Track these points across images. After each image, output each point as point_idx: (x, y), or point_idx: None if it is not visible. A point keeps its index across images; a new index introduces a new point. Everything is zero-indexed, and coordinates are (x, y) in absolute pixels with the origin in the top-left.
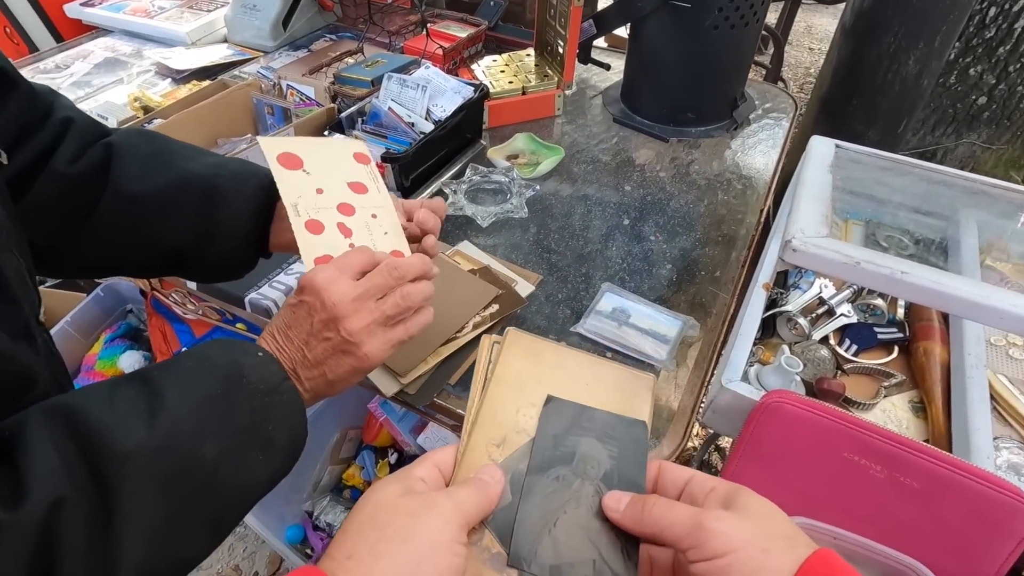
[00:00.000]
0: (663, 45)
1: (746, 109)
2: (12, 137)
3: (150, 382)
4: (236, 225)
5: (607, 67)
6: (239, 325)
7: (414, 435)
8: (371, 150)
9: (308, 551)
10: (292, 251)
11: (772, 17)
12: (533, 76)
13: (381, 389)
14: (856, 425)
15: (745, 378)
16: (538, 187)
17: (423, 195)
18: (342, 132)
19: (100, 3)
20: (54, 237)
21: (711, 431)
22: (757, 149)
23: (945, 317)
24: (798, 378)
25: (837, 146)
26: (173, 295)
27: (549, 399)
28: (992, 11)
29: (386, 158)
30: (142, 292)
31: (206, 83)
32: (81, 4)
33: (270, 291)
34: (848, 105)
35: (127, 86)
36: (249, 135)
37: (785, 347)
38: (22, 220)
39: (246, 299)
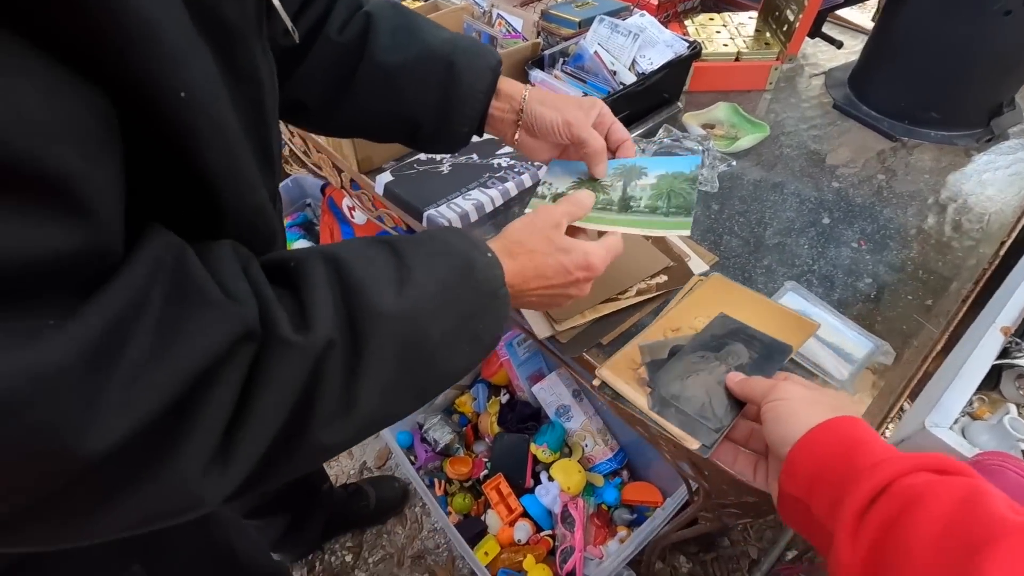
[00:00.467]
0: (926, 24)
1: (1010, 120)
2: (297, 6)
3: (400, 254)
4: (468, 104)
5: (839, 44)
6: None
7: (530, 383)
8: (566, 91)
9: (412, 458)
10: (500, 135)
11: None
12: (752, 42)
13: (535, 331)
14: None
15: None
16: (733, 163)
17: None
18: (542, 69)
19: None
20: (323, 101)
21: None
22: (1011, 169)
23: None
24: (1022, 446)
25: None
26: (355, 199)
27: (721, 314)
28: None
29: None
30: (322, 190)
31: (419, 4)
32: None
33: (447, 211)
34: None
35: None
36: None
37: (1011, 406)
38: (299, 84)
39: (425, 214)
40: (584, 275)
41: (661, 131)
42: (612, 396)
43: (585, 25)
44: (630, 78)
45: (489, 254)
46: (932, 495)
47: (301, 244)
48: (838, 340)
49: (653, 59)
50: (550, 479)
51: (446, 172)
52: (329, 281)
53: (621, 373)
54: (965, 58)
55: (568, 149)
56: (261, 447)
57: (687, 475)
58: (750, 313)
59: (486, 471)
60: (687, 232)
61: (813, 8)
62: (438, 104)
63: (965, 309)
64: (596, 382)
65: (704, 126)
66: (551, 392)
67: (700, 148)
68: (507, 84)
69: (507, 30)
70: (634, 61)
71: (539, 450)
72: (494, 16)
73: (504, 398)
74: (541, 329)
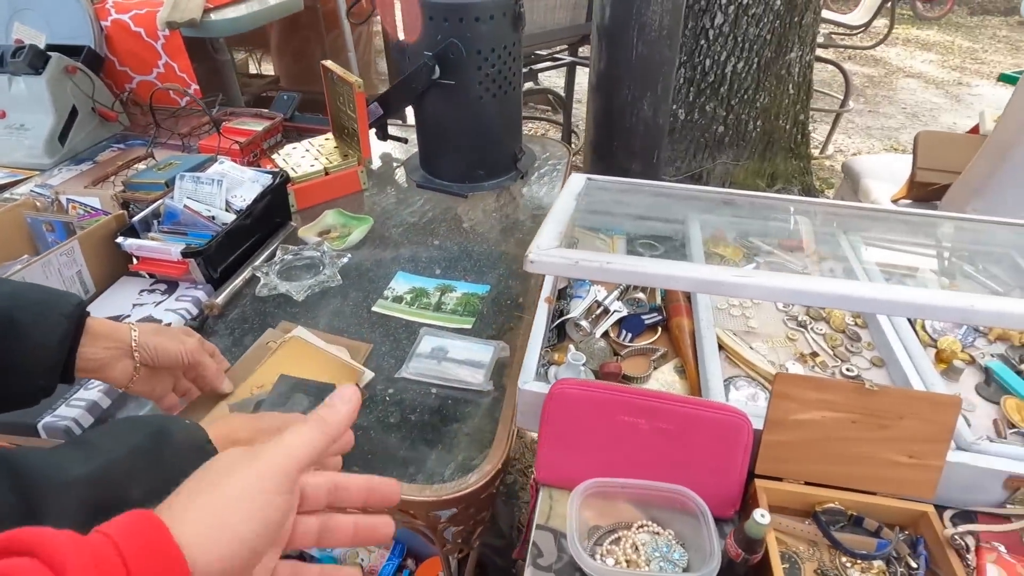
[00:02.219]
0: (443, 116)
1: (528, 160)
2: None
3: (84, 439)
4: (35, 358)
5: (405, 141)
6: None
7: None
8: (170, 248)
9: None
10: (99, 377)
11: (561, 80)
12: (335, 156)
13: None
14: (618, 391)
15: (544, 379)
16: (350, 255)
17: (236, 282)
18: (136, 236)
19: None
20: None
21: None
22: (543, 191)
23: (688, 297)
24: (583, 368)
25: (588, 179)
26: None
27: (281, 376)
28: (707, 62)
29: (186, 253)
30: None
31: None
32: None
33: (68, 410)
34: (611, 146)
35: None
36: (26, 256)
37: (571, 346)
38: None
39: (39, 425)
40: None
41: (279, 251)
42: None
43: (172, 184)
44: (229, 218)
45: (188, 422)
46: None
47: None
48: (468, 355)
49: (245, 196)
50: None
51: None
52: None
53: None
54: (475, 130)
55: (180, 377)
56: None
57: (408, 526)
58: (313, 367)
59: None
60: (469, 326)
61: (363, 121)
62: None
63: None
64: None
65: (320, 234)
66: None
67: (319, 253)
68: (103, 325)
69: (84, 211)
70: (227, 203)
71: None
72: (64, 203)
73: None
74: None
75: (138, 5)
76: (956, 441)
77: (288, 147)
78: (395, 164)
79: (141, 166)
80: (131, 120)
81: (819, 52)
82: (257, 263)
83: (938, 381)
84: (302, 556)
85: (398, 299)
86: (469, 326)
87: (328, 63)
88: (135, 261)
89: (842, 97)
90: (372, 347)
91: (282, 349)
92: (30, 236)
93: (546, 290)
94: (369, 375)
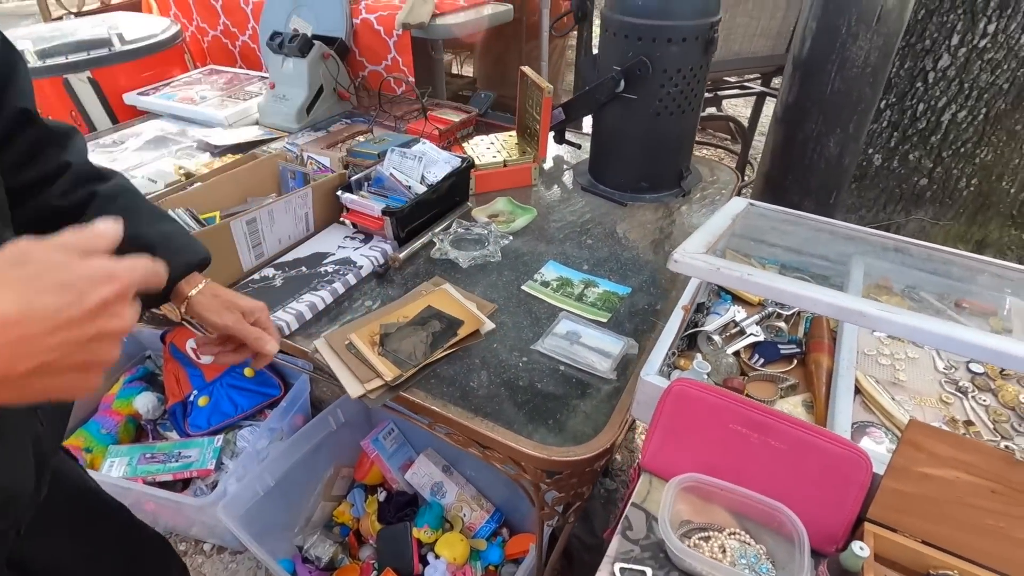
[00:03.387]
0: (618, 128)
1: (693, 180)
2: (23, 159)
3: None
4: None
5: (578, 146)
6: (247, 370)
7: (402, 472)
8: (374, 205)
9: None
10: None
11: (747, 110)
12: (515, 152)
13: (348, 391)
14: (736, 401)
15: (666, 377)
16: (511, 238)
17: (417, 243)
18: (351, 192)
19: (154, 93)
20: None
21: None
22: (701, 212)
23: (834, 338)
24: (706, 378)
25: (750, 203)
26: (191, 342)
27: (427, 307)
28: (921, 106)
29: (385, 211)
30: (162, 338)
31: (239, 155)
32: (139, 93)
33: (284, 315)
34: (785, 180)
35: (174, 158)
36: (273, 194)
37: (698, 355)
38: None
39: None
40: (109, 290)
41: (454, 224)
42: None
43: (383, 156)
44: (421, 189)
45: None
46: None
47: (144, 397)
48: (599, 344)
49: (436, 173)
50: (436, 557)
51: (279, 285)
52: None
53: (363, 337)
54: (647, 144)
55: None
56: None
57: (516, 477)
58: (449, 308)
59: (375, 572)
60: (604, 320)
61: (546, 124)
62: None
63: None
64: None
65: (490, 216)
66: (422, 474)
67: (486, 231)
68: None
69: (318, 167)
70: (423, 177)
71: (421, 532)
72: (306, 158)
73: (381, 495)
74: (354, 389)
75: (383, 8)
76: None
77: (477, 138)
78: (565, 167)
79: (362, 138)
80: (359, 101)
81: None
82: (436, 231)
83: None
84: (414, 500)
85: (545, 284)
86: (605, 320)
87: (526, 68)
88: (346, 211)
89: None
90: (497, 307)
91: (430, 295)
92: (278, 180)
93: (685, 298)
94: (490, 325)
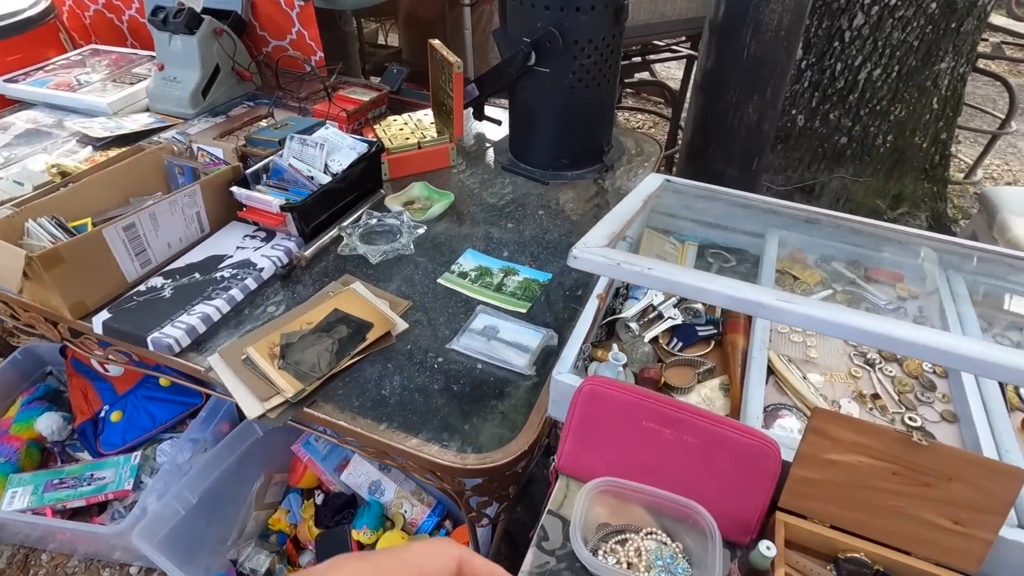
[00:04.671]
0: (534, 103)
1: (615, 154)
2: None
3: None
4: None
5: (498, 123)
6: (163, 379)
7: (338, 473)
8: (272, 201)
9: None
10: None
11: (679, 72)
12: (430, 132)
13: (245, 411)
14: (648, 398)
15: (582, 373)
16: (426, 227)
17: (324, 239)
18: (247, 187)
19: (24, 79)
20: None
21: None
22: (628, 187)
23: (750, 316)
24: (622, 369)
25: (666, 180)
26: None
27: (333, 310)
28: (839, 66)
29: (284, 207)
30: (62, 352)
31: (123, 149)
32: (5, 80)
33: (172, 330)
34: (708, 148)
35: (48, 155)
36: (159, 192)
37: (615, 345)
38: None
39: (148, 339)
40: None
41: (364, 216)
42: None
43: (283, 143)
44: (325, 179)
45: None
46: None
47: (47, 418)
48: (516, 338)
49: (341, 161)
50: None
51: (168, 295)
52: None
53: (261, 350)
54: (564, 119)
55: None
56: None
57: (436, 486)
58: (358, 310)
59: None
60: (524, 310)
61: (459, 100)
62: None
63: None
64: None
65: (404, 204)
66: (359, 473)
67: (398, 222)
68: None
69: (210, 159)
70: (326, 165)
71: (360, 534)
72: (195, 150)
73: (319, 499)
74: (252, 409)
75: None
76: (1019, 516)
77: (390, 119)
78: (487, 145)
79: (264, 123)
80: (263, 81)
81: (984, 64)
82: (344, 224)
83: (1015, 451)
84: (353, 501)
85: (463, 275)
86: (524, 311)
87: (434, 42)
88: (242, 208)
89: (1004, 117)
90: (411, 304)
91: (337, 296)
92: (165, 176)
93: (600, 287)
94: (403, 325)
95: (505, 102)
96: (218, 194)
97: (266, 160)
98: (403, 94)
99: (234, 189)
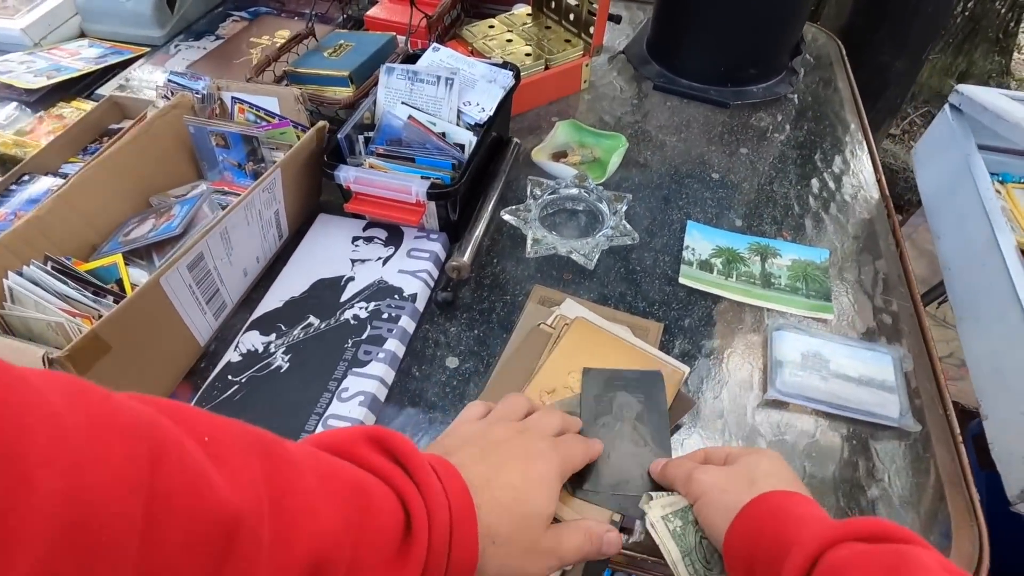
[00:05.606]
0: None
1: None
2: None
3: None
4: None
5: (617, 20)
6: None
7: None
8: (411, 183)
9: None
10: None
11: None
12: (552, 44)
13: None
14: None
15: None
16: (629, 196)
17: (476, 232)
18: (343, 161)
19: None
20: None
21: None
22: (832, 99)
23: None
24: None
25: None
26: None
27: (586, 370)
28: None
29: (434, 195)
30: None
31: (77, 104)
32: None
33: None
34: (874, 35)
35: None
36: (194, 182)
37: None
38: None
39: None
40: None
41: (531, 187)
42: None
43: (359, 79)
44: (466, 137)
45: None
46: (856, 569)
47: None
48: (862, 370)
49: (482, 103)
50: None
51: (285, 367)
52: None
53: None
54: (758, 7)
55: None
56: None
57: None
58: (616, 356)
59: None
60: (831, 316)
61: None
62: None
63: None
64: None
65: (554, 157)
66: None
67: (584, 192)
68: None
69: (256, 119)
70: (459, 113)
71: None
72: (229, 103)
73: None
74: None
75: None
76: None
77: (480, 25)
78: (606, 53)
79: (302, 48)
80: None
81: None
82: (492, 201)
83: None
84: None
85: (705, 265)
86: (831, 316)
87: None
88: (348, 198)
89: None
90: (663, 326)
91: (568, 335)
92: (191, 150)
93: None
94: (684, 369)
95: None
96: (299, 178)
97: (357, 113)
98: None
99: (340, 172)
